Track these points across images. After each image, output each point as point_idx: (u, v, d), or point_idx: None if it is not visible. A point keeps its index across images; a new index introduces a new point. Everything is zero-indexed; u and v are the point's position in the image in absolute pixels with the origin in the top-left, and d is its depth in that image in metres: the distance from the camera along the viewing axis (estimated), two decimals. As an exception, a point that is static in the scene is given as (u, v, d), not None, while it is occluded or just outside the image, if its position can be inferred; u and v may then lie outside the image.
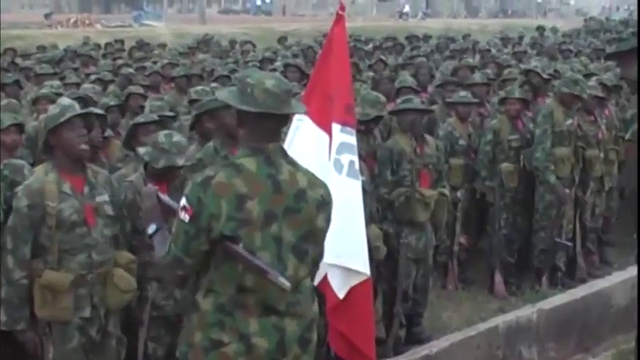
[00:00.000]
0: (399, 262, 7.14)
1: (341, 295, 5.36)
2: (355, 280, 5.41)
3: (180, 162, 5.62)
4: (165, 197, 4.28)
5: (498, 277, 9.01)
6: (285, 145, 5.60)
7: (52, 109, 5.40)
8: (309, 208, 4.00)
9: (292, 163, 4.06)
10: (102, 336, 5.42)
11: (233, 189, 3.86)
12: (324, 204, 4.08)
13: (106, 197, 5.40)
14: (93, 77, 13.01)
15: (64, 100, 5.52)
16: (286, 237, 3.95)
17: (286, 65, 13.18)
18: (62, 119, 5.21)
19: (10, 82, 11.59)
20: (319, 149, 5.54)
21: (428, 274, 7.71)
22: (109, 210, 5.39)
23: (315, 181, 4.09)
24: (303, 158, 5.49)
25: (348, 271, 5.41)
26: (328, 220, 4.12)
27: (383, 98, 7.93)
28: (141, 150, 5.81)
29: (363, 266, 5.42)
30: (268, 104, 3.92)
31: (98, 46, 21.86)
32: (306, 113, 5.50)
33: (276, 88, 3.96)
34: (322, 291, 5.31)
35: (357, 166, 5.52)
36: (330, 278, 5.28)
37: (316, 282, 5.19)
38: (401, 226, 7.40)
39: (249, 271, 3.86)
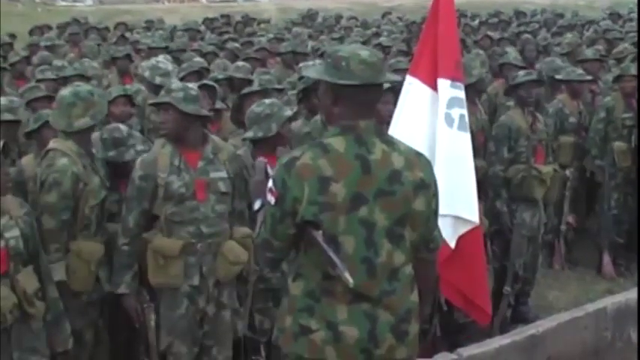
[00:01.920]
0: (512, 241, 7.07)
1: (452, 244, 5.32)
2: (464, 228, 5.38)
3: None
4: (272, 172, 4.17)
5: (607, 258, 8.82)
6: (397, 110, 5.62)
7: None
8: (405, 190, 3.73)
9: (388, 142, 3.80)
10: (216, 307, 5.47)
11: (317, 171, 3.66)
12: (424, 187, 3.78)
13: (222, 174, 5.41)
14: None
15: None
16: (379, 221, 3.70)
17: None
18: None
19: (120, 56, 11.76)
20: (432, 108, 5.52)
21: (537, 253, 7.64)
22: (222, 187, 5.41)
23: (414, 162, 3.80)
24: (416, 121, 5.55)
25: (457, 219, 5.38)
26: (429, 204, 3.82)
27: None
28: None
29: (473, 214, 5.38)
30: (367, 75, 3.70)
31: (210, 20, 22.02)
32: (414, 75, 5.52)
33: (373, 58, 3.75)
34: None
35: (466, 119, 5.51)
36: (441, 228, 5.24)
37: None
38: (515, 204, 7.33)
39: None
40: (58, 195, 5.32)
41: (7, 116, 6.74)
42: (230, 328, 5.54)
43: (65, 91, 5.77)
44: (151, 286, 5.41)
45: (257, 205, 4.11)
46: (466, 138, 5.49)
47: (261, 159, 4.59)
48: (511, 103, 7.95)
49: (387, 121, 6.76)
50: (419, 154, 3.90)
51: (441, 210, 4.89)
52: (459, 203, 5.37)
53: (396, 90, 6.89)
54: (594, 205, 9.30)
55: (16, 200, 5.03)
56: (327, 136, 3.80)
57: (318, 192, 3.65)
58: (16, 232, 4.84)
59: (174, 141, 5.36)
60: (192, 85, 5.70)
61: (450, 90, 5.51)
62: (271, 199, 3.73)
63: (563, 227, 8.88)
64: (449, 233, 5.32)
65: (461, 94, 5.53)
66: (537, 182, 7.38)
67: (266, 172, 4.15)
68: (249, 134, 5.87)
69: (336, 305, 3.72)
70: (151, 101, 6.28)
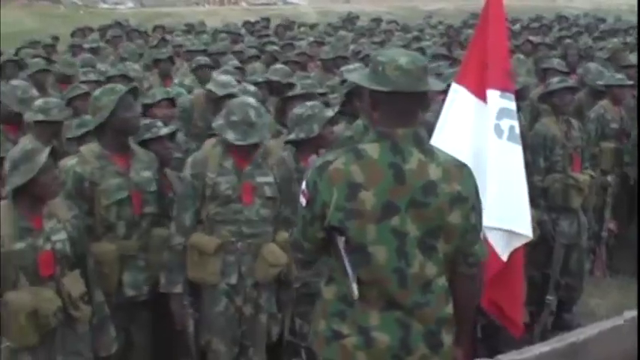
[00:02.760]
0: (554, 249, 7.05)
1: (504, 257, 5.29)
2: (518, 242, 5.34)
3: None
4: None
5: (648, 265, 8.74)
6: (441, 119, 5.60)
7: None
8: (440, 202, 3.65)
9: (427, 152, 3.72)
10: (253, 309, 5.50)
11: (347, 177, 3.63)
12: (460, 200, 3.70)
13: (268, 179, 5.46)
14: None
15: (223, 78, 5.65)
16: (411, 231, 3.64)
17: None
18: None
19: (163, 58, 11.84)
20: (478, 118, 5.49)
21: (582, 259, 7.61)
22: (268, 192, 5.45)
23: (452, 174, 3.71)
24: (460, 130, 5.52)
25: (510, 233, 5.34)
26: (466, 217, 3.73)
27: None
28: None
29: (526, 228, 5.34)
30: (401, 83, 3.62)
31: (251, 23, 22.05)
32: (461, 84, 5.48)
33: (411, 65, 3.65)
34: None
35: (517, 130, 5.44)
36: (492, 241, 5.20)
37: None
38: (555, 213, 7.30)
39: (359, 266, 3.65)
40: (63, 194, 5.26)
41: (39, 117, 6.83)
42: (265, 332, 5.56)
43: (96, 92, 5.82)
44: (193, 286, 5.44)
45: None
46: (517, 149, 5.43)
47: (314, 156, 4.62)
48: (548, 109, 7.90)
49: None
50: (461, 166, 3.83)
51: (494, 223, 4.93)
52: (511, 216, 5.32)
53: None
54: (636, 212, 9.21)
55: (65, 203, 5.08)
56: (363, 141, 3.75)
57: (347, 198, 3.62)
58: (63, 236, 4.89)
59: (226, 142, 5.40)
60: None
61: (499, 101, 5.45)
62: (303, 200, 3.75)
63: (604, 234, 8.78)
64: (501, 247, 5.29)
65: (511, 104, 5.47)
66: (575, 191, 7.33)
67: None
68: (292, 136, 5.91)
69: (369, 311, 3.70)
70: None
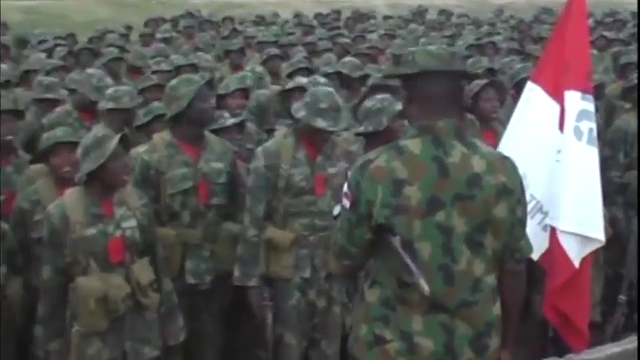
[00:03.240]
0: (628, 248, 6.92)
1: (576, 263, 5.19)
2: (591, 248, 5.23)
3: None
4: None
5: None
6: (515, 116, 5.51)
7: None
8: (486, 195, 3.55)
9: (469, 144, 3.62)
10: (326, 301, 5.49)
11: (391, 173, 3.52)
12: (506, 192, 3.60)
13: (337, 170, 5.44)
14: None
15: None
16: (458, 226, 3.54)
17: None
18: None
19: (235, 49, 11.86)
20: (551, 119, 5.39)
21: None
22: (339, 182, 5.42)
23: (496, 166, 3.62)
24: (532, 130, 5.42)
25: (585, 238, 5.24)
26: (512, 211, 3.63)
27: None
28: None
29: (600, 233, 5.24)
30: (430, 64, 3.58)
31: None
32: (537, 83, 5.38)
33: (440, 50, 3.67)
34: (546, 264, 5.18)
35: (594, 133, 5.33)
36: (566, 246, 5.11)
37: (536, 257, 5.10)
38: (633, 210, 7.14)
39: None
40: (131, 182, 5.26)
41: (110, 104, 6.88)
42: (339, 323, 5.54)
43: (173, 82, 5.83)
44: (266, 279, 5.42)
45: (336, 211, 4.02)
46: (594, 152, 5.33)
47: (343, 163, 4.56)
48: (628, 105, 7.75)
49: (490, 117, 6.66)
50: (504, 158, 3.74)
51: (570, 227, 4.82)
52: (587, 221, 5.22)
53: (497, 85, 6.77)
54: None
55: (136, 192, 5.11)
56: (404, 138, 3.66)
57: (392, 194, 3.52)
58: (133, 223, 4.91)
59: (297, 133, 5.40)
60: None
61: (580, 102, 5.33)
62: (346, 203, 3.63)
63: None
64: (575, 252, 5.18)
65: (591, 106, 5.36)
66: None
67: (347, 177, 4.04)
68: (361, 129, 5.86)
69: (412, 315, 3.58)
70: None
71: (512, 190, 3.63)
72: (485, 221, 3.58)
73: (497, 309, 3.68)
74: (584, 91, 5.34)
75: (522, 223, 3.75)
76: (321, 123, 5.29)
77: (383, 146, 3.71)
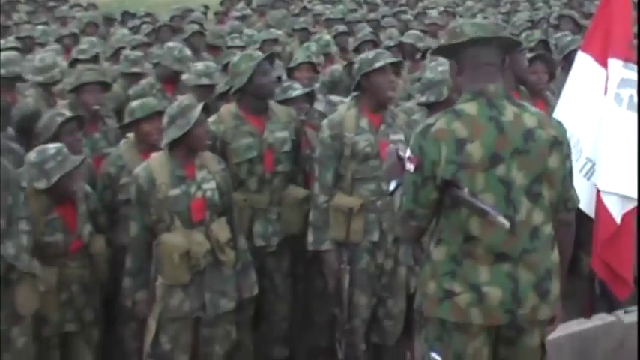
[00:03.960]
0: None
1: (618, 220, 5.17)
2: (630, 206, 5.20)
3: None
4: (403, 154, 4.04)
5: None
6: (567, 86, 5.49)
7: (367, 54, 5.51)
8: (540, 147, 3.60)
9: (518, 104, 3.69)
10: (393, 263, 5.49)
11: (452, 134, 3.55)
12: (557, 144, 3.64)
13: (401, 137, 5.40)
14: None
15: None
16: (517, 179, 3.57)
17: (560, 16, 12.72)
18: (376, 65, 5.31)
19: (299, 29, 11.87)
20: (599, 85, 5.35)
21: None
22: (402, 147, 5.42)
23: (546, 121, 3.69)
24: (584, 98, 5.40)
25: (624, 197, 5.21)
26: (564, 162, 3.68)
27: None
28: None
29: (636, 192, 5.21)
30: (478, 32, 3.64)
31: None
32: (586, 52, 5.36)
33: (485, 21, 3.79)
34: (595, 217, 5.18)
35: (635, 99, 5.28)
36: (608, 204, 5.09)
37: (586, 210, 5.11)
38: None
39: (472, 217, 3.54)
40: None
41: (204, 80, 6.92)
42: (404, 283, 5.53)
43: (235, 58, 5.87)
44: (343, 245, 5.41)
45: (392, 186, 3.96)
46: (633, 117, 5.28)
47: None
48: None
49: (537, 88, 6.60)
50: (550, 116, 3.83)
51: (610, 188, 4.78)
52: (626, 182, 5.19)
53: (545, 59, 6.69)
54: None
55: (215, 157, 5.16)
56: (458, 103, 3.69)
57: (455, 152, 3.54)
58: (212, 185, 4.98)
59: (361, 104, 5.40)
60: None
61: (622, 70, 5.30)
62: (410, 167, 3.63)
63: None
64: (617, 210, 5.16)
65: (633, 75, 5.30)
66: None
67: (398, 156, 3.98)
68: (422, 99, 5.85)
69: (478, 267, 3.59)
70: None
71: (562, 142, 3.68)
72: (541, 173, 3.61)
73: (555, 256, 3.70)
74: (626, 59, 5.30)
75: (571, 174, 3.79)
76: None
77: (439, 112, 3.75)
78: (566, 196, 3.76)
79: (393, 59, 5.39)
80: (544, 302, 3.63)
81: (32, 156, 5.05)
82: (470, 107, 3.62)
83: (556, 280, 3.69)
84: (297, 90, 6.11)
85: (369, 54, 5.48)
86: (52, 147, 5.08)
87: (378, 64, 5.29)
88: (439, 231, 3.68)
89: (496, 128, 3.58)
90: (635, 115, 5.30)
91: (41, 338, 5.02)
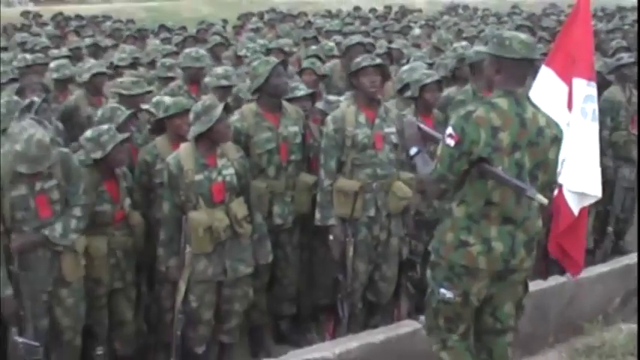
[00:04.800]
0: (614, 191, 6.89)
1: (576, 212, 5.17)
2: (588, 201, 5.20)
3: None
4: (424, 126, 4.22)
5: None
6: (532, 91, 5.43)
7: (357, 58, 5.49)
8: (546, 143, 3.88)
9: (534, 105, 3.95)
10: (387, 234, 5.47)
11: (489, 122, 3.77)
12: (557, 140, 3.94)
13: (392, 129, 5.40)
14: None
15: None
16: (526, 164, 3.83)
17: (518, 26, 12.64)
18: (361, 65, 5.34)
19: (309, 37, 11.82)
20: (560, 97, 5.32)
21: (634, 198, 7.45)
22: (393, 139, 5.41)
23: (551, 122, 3.95)
24: (547, 104, 5.34)
25: (583, 194, 5.20)
26: (557, 155, 3.98)
27: None
28: None
29: (597, 191, 5.20)
30: (525, 52, 3.83)
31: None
32: (549, 66, 5.33)
33: (529, 40, 3.92)
34: (555, 208, 5.14)
35: (596, 112, 5.30)
36: (568, 200, 5.09)
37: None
38: (618, 162, 7.20)
39: (496, 188, 3.79)
40: None
41: (223, 82, 6.88)
42: (397, 252, 5.54)
43: (254, 63, 5.83)
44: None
45: (413, 151, 4.11)
46: (595, 127, 5.30)
47: (410, 116, 4.59)
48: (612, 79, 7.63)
49: None
50: (551, 118, 4.01)
51: (572, 187, 4.93)
52: (585, 181, 5.19)
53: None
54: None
55: (234, 146, 5.14)
56: (493, 97, 3.87)
57: (491, 137, 3.75)
58: (231, 171, 4.96)
59: (357, 101, 5.41)
60: None
61: (586, 88, 5.29)
62: (450, 142, 3.77)
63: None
64: (575, 205, 5.16)
65: (594, 91, 5.31)
66: (634, 145, 7.26)
67: (418, 127, 4.15)
68: (408, 94, 5.93)
69: (490, 226, 3.85)
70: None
71: (560, 140, 3.97)
72: (541, 161, 3.89)
73: (540, 223, 4.01)
74: (589, 79, 5.28)
75: (558, 165, 4.11)
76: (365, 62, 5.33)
77: (477, 101, 4.09)
78: (552, 179, 4.09)
79: (376, 62, 5.34)
80: (529, 256, 3.94)
81: (88, 133, 5.04)
82: (502, 102, 3.83)
83: (537, 243, 4.03)
84: (302, 90, 6.09)
85: (358, 58, 5.46)
86: (104, 126, 5.10)
87: (361, 65, 5.32)
88: (462, 194, 3.89)
89: (520, 123, 3.82)
90: (597, 125, 5.31)
91: (92, 297, 5.02)
